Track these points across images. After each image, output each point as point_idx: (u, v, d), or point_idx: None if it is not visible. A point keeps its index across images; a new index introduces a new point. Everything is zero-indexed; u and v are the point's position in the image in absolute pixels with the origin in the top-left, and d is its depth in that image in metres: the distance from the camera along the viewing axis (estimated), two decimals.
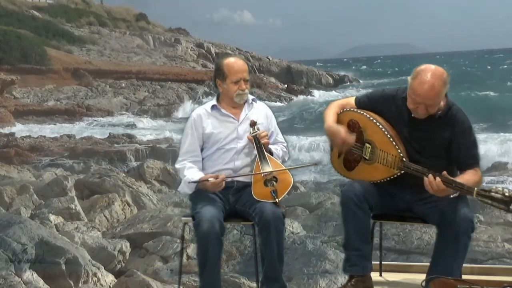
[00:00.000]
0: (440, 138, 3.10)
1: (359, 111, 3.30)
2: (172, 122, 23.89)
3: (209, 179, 3.34)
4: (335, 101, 3.45)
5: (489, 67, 59.10)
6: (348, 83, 42.17)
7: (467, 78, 42.20)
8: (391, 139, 3.13)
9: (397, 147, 3.12)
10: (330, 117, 3.32)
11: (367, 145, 3.22)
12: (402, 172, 3.09)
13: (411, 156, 3.11)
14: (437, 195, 2.96)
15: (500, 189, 2.76)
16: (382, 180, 3.19)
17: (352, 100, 3.38)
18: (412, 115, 3.11)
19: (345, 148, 3.28)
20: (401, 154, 3.09)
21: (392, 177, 3.15)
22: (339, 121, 3.32)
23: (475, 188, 2.83)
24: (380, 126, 3.18)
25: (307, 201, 8.48)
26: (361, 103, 3.34)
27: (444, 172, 2.93)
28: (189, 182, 3.41)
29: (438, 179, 2.90)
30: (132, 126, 22.06)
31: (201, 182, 3.37)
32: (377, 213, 3.31)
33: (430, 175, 2.93)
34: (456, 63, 67.69)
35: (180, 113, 25.84)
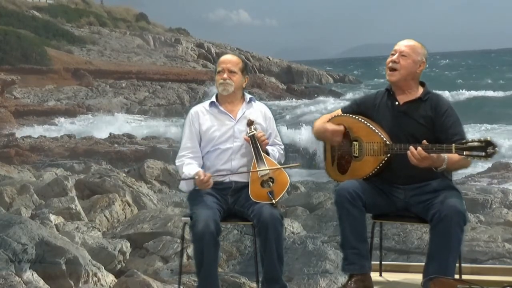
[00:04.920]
0: (423, 118, 3.24)
1: (343, 114, 3.46)
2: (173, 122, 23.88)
3: (196, 176, 3.35)
4: (322, 116, 3.59)
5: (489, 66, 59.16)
6: (349, 83, 42.14)
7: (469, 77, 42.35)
8: (373, 128, 3.27)
9: (379, 133, 3.24)
10: (317, 123, 3.50)
11: (354, 142, 3.34)
12: (389, 156, 3.20)
13: (398, 141, 3.20)
14: (422, 165, 3.06)
15: (475, 138, 2.92)
16: (373, 171, 3.27)
17: (338, 111, 3.54)
18: (396, 103, 3.29)
19: (339, 139, 3.38)
20: (384, 139, 3.22)
21: (381, 164, 3.24)
22: None
23: (453, 144, 2.96)
24: (362, 120, 3.33)
25: (308, 201, 8.49)
26: (347, 110, 3.49)
27: (424, 141, 3.05)
28: (179, 179, 3.45)
29: (419, 148, 3.04)
30: (132, 126, 22.05)
31: (195, 179, 3.38)
32: (376, 213, 3.35)
33: (411, 147, 3.07)
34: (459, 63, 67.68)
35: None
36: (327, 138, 3.43)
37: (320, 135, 3.47)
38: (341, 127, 3.37)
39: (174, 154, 3.64)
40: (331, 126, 3.39)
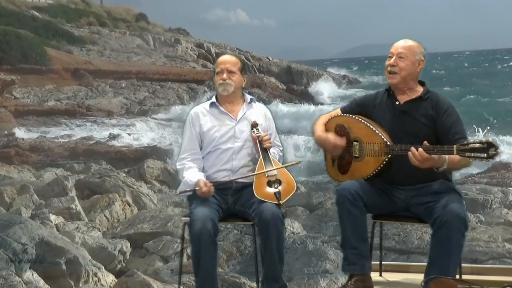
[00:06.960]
0: (424, 117, 3.24)
1: (343, 114, 3.46)
2: (173, 122, 23.79)
3: (196, 188, 3.36)
4: (322, 115, 3.58)
5: (487, 65, 59.13)
6: (349, 84, 42.09)
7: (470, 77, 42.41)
8: (373, 129, 3.26)
9: (380, 134, 3.24)
10: (318, 128, 3.48)
11: (355, 143, 3.34)
12: (390, 156, 3.19)
13: (399, 140, 3.20)
14: (423, 166, 3.05)
15: (477, 140, 2.91)
16: (374, 172, 3.26)
17: (338, 110, 3.54)
18: (397, 103, 3.29)
19: (338, 152, 3.39)
20: (385, 139, 3.22)
21: (382, 165, 3.23)
22: (326, 129, 3.48)
23: (455, 146, 2.95)
24: (362, 120, 3.32)
25: (308, 201, 8.49)
26: (346, 110, 3.49)
27: (425, 142, 3.05)
28: (180, 193, 3.50)
29: (420, 149, 3.04)
30: (133, 126, 22.01)
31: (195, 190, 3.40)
32: (376, 213, 3.35)
33: (412, 148, 3.06)
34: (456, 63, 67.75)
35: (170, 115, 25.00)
36: (329, 149, 3.43)
37: (321, 143, 3.46)
38: (343, 142, 3.36)
39: (174, 154, 3.65)
40: (333, 139, 3.38)
